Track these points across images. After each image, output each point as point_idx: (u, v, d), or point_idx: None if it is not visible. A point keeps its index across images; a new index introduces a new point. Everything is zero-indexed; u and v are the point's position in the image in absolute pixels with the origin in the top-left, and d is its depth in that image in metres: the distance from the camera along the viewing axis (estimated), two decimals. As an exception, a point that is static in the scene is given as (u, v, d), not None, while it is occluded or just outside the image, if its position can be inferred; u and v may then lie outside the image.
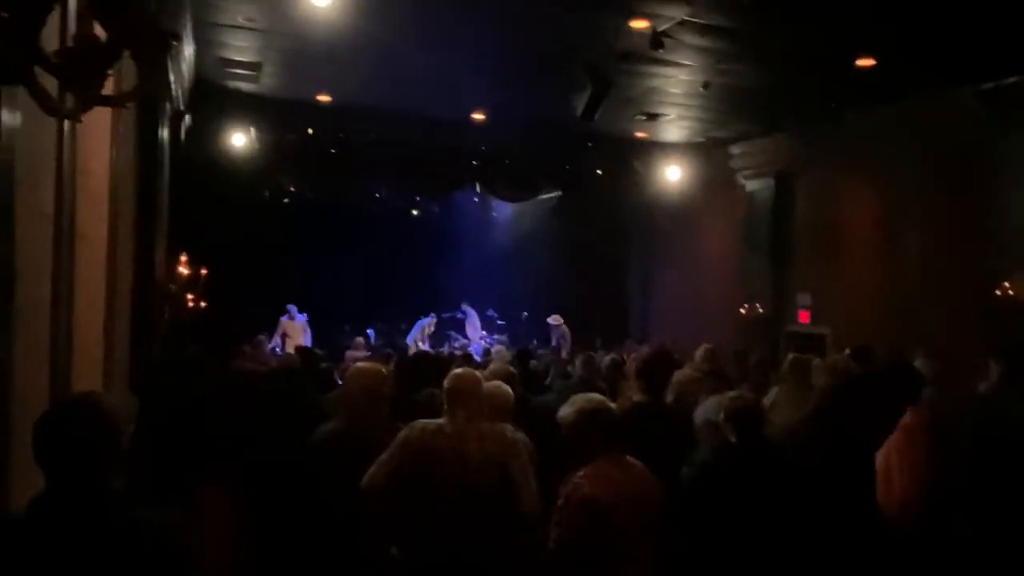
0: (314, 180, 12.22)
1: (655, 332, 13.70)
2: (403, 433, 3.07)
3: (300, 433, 3.42)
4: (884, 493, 3.30)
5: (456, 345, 13.39)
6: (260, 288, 13.55)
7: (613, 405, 2.99)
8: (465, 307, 14.41)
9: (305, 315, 12.80)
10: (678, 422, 3.73)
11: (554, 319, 13.53)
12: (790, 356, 5.23)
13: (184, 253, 9.06)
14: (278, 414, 3.77)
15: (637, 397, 3.98)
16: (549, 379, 6.93)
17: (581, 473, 2.74)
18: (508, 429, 3.24)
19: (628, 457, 2.89)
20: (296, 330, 12.65)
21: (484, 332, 14.63)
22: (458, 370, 3.36)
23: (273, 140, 11.14)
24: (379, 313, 14.16)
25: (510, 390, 3.71)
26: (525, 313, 14.76)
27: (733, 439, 3.23)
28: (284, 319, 12.69)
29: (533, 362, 7.44)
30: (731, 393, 3.57)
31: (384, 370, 3.66)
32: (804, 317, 10.60)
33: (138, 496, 1.75)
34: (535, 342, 14.22)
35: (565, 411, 2.88)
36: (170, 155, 7.76)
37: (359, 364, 3.84)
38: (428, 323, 13.50)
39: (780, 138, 10.87)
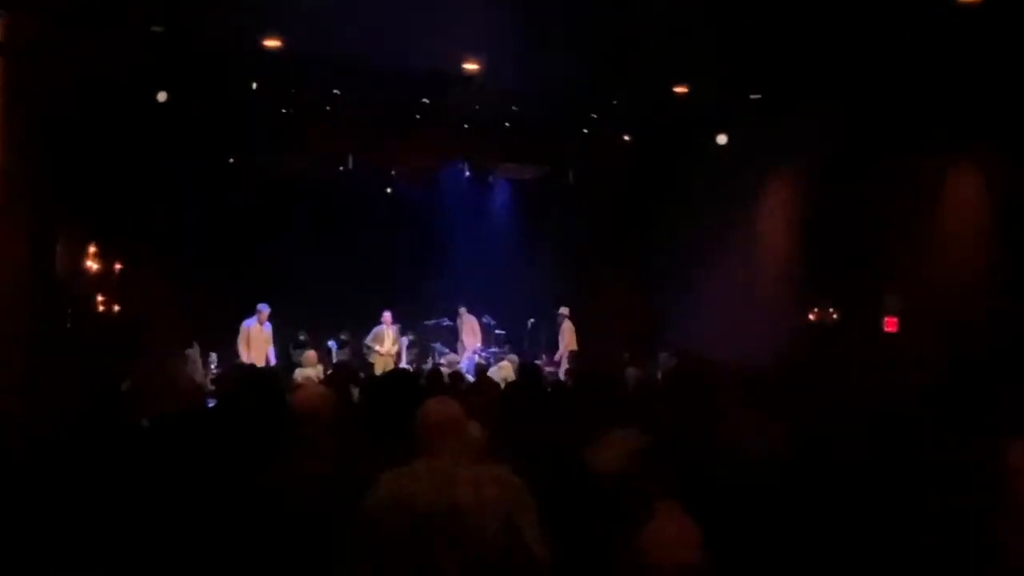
0: (259, 150, 12.05)
1: (696, 343, 13.58)
2: (366, 501, 2.90)
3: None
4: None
5: (442, 361, 13.22)
6: (190, 287, 13.44)
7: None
8: (462, 312, 14.20)
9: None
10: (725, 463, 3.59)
11: (563, 310, 14.07)
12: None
13: (94, 244, 8.90)
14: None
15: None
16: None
17: (649, 533, 2.71)
18: (507, 471, 3.08)
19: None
20: (263, 339, 12.50)
21: (479, 344, 14.47)
22: (434, 399, 3.25)
23: (207, 98, 11.02)
24: (344, 320, 13.99)
25: None
26: (531, 320, 14.61)
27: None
28: (249, 323, 12.50)
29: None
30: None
31: (329, 398, 3.46)
32: (891, 325, 10.43)
33: None
34: (544, 357, 14.10)
35: (605, 456, 2.82)
36: (74, 121, 7.62)
37: (300, 390, 3.64)
38: (383, 329, 13.25)
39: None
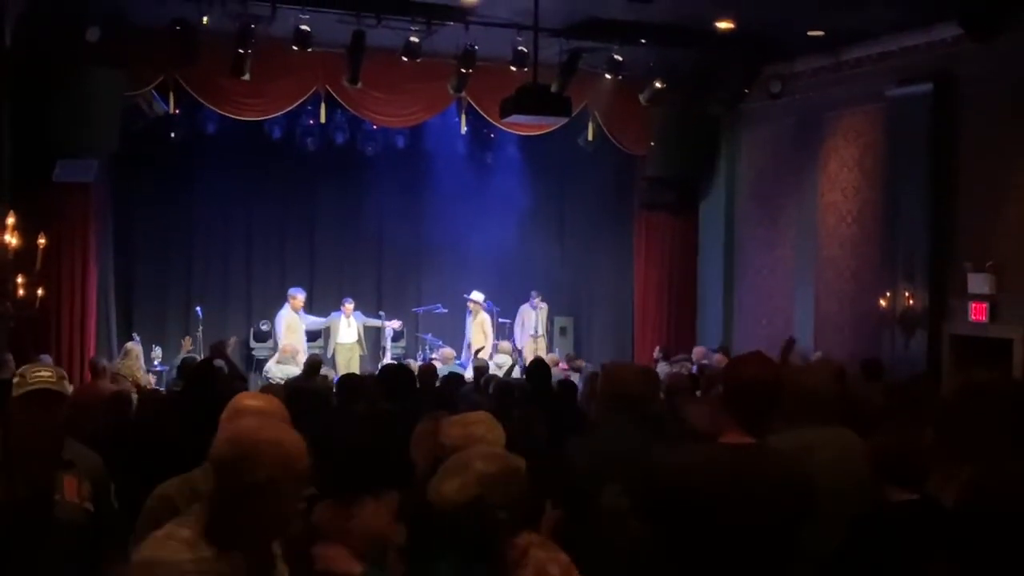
0: (210, 95, 12.04)
1: (740, 336, 13.71)
2: None
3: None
4: None
5: (435, 355, 13.31)
6: (132, 268, 13.57)
7: None
8: (476, 301, 14.08)
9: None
10: (794, 479, 3.59)
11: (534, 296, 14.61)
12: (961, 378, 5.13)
13: (12, 213, 8.93)
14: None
15: (730, 437, 3.79)
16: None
17: None
18: None
19: None
20: (300, 327, 12.91)
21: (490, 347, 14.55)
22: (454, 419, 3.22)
23: (145, 33, 11.02)
24: (317, 304, 14.05)
25: (501, 432, 3.60)
26: (545, 305, 14.71)
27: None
28: (283, 312, 12.95)
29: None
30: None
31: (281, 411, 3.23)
32: (979, 312, 10.48)
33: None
34: (556, 350, 14.21)
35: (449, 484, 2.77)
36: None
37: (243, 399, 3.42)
38: (339, 318, 13.35)
39: (943, 30, 10.75)
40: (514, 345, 13.96)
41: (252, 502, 2.29)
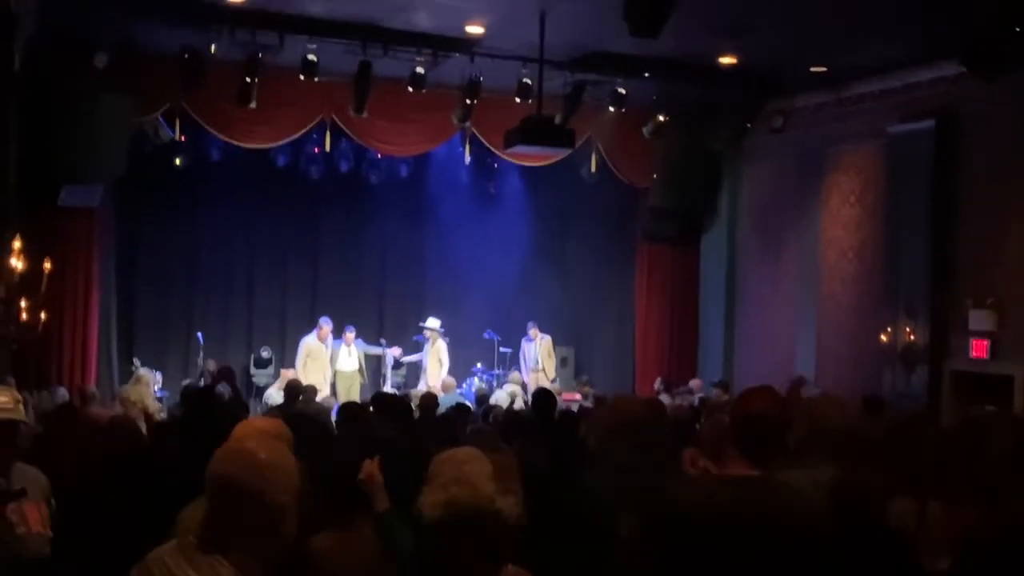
0: (216, 123, 12.11)
1: (741, 369, 13.72)
2: None
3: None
4: None
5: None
6: (133, 294, 13.58)
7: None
8: (432, 326, 13.92)
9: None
10: (800, 512, 3.58)
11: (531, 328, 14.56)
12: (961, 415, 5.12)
13: (19, 237, 8.97)
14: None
15: (736, 469, 3.79)
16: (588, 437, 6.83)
17: None
18: None
19: None
20: (324, 358, 12.98)
21: (480, 366, 14.52)
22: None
23: (153, 59, 11.10)
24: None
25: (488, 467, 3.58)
26: (546, 335, 14.70)
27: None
28: (308, 339, 13.07)
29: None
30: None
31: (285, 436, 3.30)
32: (980, 349, 10.50)
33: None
34: (556, 380, 14.20)
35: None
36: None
37: (252, 422, 3.55)
38: (340, 346, 13.40)
39: (946, 67, 10.85)
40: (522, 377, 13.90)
41: (245, 518, 2.32)
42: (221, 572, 2.29)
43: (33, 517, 3.32)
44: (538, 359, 14.38)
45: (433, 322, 13.84)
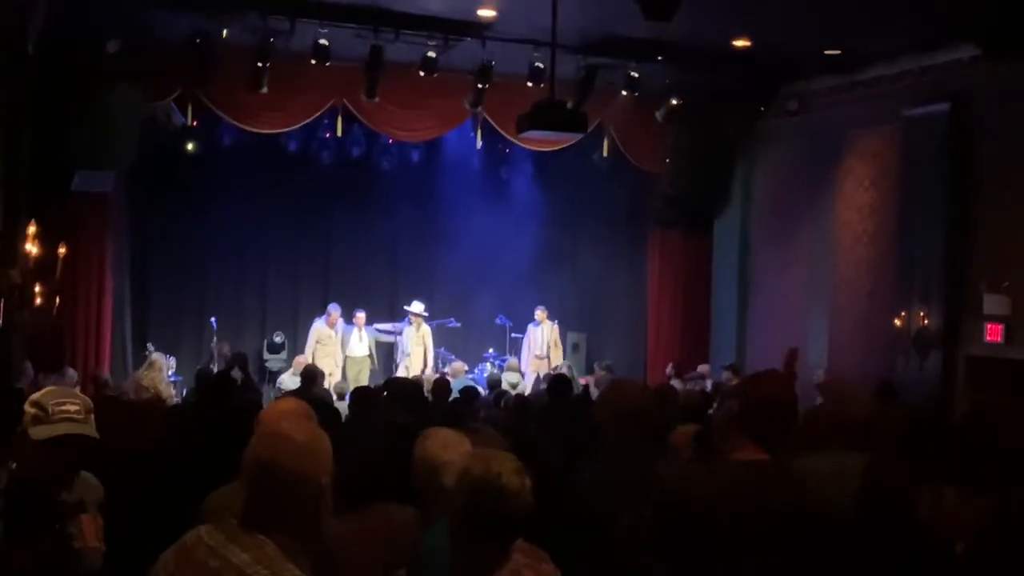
0: (228, 108, 12.13)
1: (753, 355, 13.70)
2: None
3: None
4: None
5: (447, 369, 13.34)
6: (144, 275, 13.66)
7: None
8: (416, 310, 13.80)
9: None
10: (809, 497, 3.58)
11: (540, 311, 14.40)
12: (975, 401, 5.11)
13: (34, 222, 9.04)
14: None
15: (745, 454, 3.78)
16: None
17: None
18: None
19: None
20: (333, 344, 13.08)
21: (492, 351, 14.55)
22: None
23: (165, 45, 11.12)
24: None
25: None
26: (555, 321, 14.74)
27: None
28: (317, 323, 13.21)
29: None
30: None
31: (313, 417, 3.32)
32: (994, 333, 10.46)
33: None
34: (568, 367, 14.22)
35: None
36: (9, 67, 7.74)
37: (281, 403, 3.63)
38: (352, 331, 13.42)
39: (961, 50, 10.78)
40: (519, 364, 13.84)
41: (288, 501, 2.33)
42: (267, 551, 2.29)
43: (89, 530, 3.08)
44: (543, 345, 14.29)
45: (417, 306, 13.78)
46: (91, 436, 3.00)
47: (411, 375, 12.61)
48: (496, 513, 2.76)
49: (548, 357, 14.14)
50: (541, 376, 13.03)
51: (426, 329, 13.70)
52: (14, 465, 2.98)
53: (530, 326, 14.52)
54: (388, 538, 3.43)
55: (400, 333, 13.69)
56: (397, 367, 13.77)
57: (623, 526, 3.70)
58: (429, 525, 3.30)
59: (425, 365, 13.52)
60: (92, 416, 3.06)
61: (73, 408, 2.98)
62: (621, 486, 3.84)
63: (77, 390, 3.93)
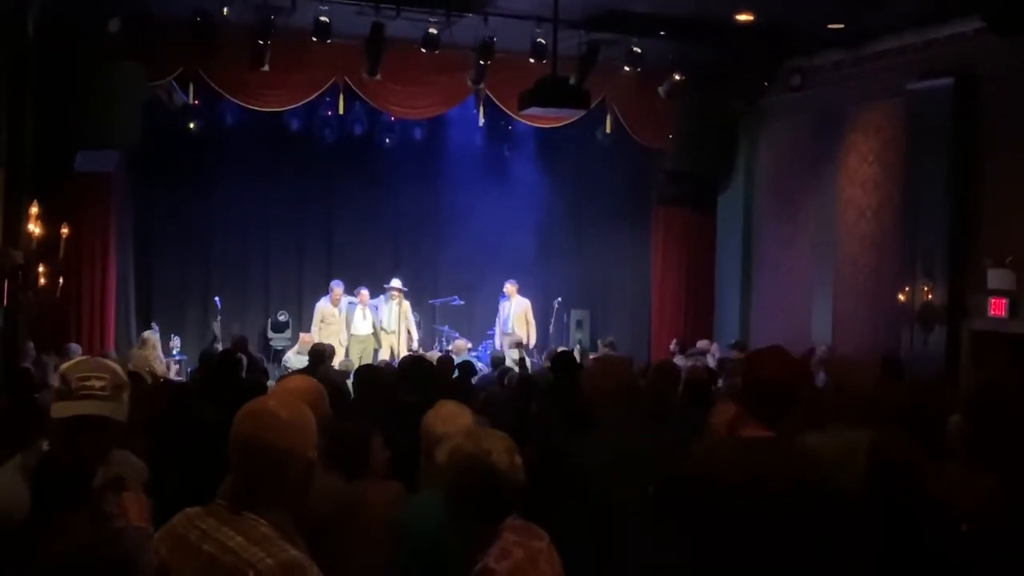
0: (229, 86, 12.11)
1: (758, 331, 13.72)
2: None
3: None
4: None
5: (450, 347, 13.37)
6: (149, 258, 13.69)
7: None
8: (396, 285, 13.50)
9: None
10: (814, 473, 3.58)
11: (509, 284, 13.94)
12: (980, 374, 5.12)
13: (36, 202, 9.04)
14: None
15: (749, 431, 3.78)
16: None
17: (491, 559, 2.72)
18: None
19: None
20: (338, 321, 13.02)
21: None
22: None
23: (166, 24, 11.09)
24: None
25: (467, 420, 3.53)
26: (558, 299, 14.76)
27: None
28: (322, 303, 13.15)
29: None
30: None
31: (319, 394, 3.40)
32: (999, 308, 10.47)
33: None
34: (579, 343, 14.24)
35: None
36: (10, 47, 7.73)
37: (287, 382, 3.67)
38: (356, 308, 13.31)
39: (965, 24, 10.73)
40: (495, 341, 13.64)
41: (276, 478, 2.32)
42: (261, 530, 2.26)
43: (133, 509, 2.84)
44: (507, 321, 13.79)
45: (396, 282, 13.61)
46: (116, 420, 2.74)
47: (396, 353, 12.61)
48: (485, 491, 2.78)
49: (512, 332, 13.62)
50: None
51: (407, 305, 13.52)
52: (46, 445, 2.78)
53: (501, 300, 14.16)
54: (378, 513, 3.48)
55: (377, 308, 13.55)
56: (380, 347, 13.52)
57: (618, 503, 3.73)
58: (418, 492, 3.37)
59: (411, 341, 13.45)
60: (124, 392, 2.78)
61: (99, 384, 2.70)
62: (616, 463, 3.86)
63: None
